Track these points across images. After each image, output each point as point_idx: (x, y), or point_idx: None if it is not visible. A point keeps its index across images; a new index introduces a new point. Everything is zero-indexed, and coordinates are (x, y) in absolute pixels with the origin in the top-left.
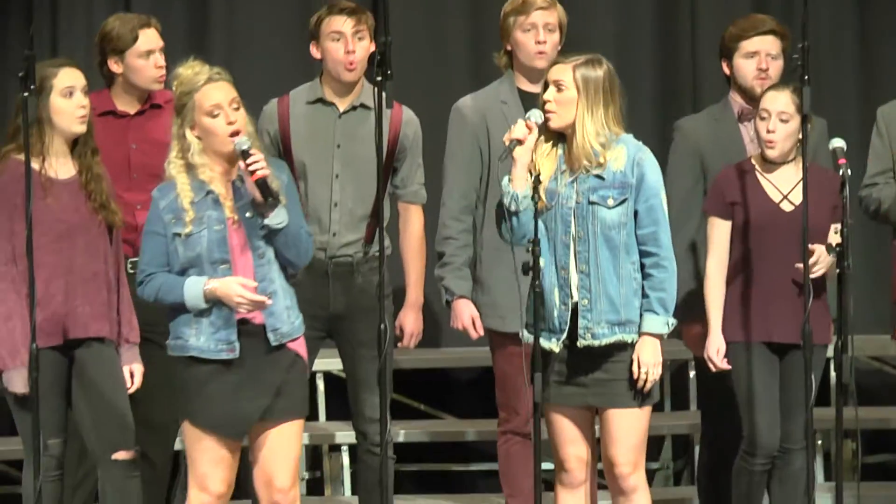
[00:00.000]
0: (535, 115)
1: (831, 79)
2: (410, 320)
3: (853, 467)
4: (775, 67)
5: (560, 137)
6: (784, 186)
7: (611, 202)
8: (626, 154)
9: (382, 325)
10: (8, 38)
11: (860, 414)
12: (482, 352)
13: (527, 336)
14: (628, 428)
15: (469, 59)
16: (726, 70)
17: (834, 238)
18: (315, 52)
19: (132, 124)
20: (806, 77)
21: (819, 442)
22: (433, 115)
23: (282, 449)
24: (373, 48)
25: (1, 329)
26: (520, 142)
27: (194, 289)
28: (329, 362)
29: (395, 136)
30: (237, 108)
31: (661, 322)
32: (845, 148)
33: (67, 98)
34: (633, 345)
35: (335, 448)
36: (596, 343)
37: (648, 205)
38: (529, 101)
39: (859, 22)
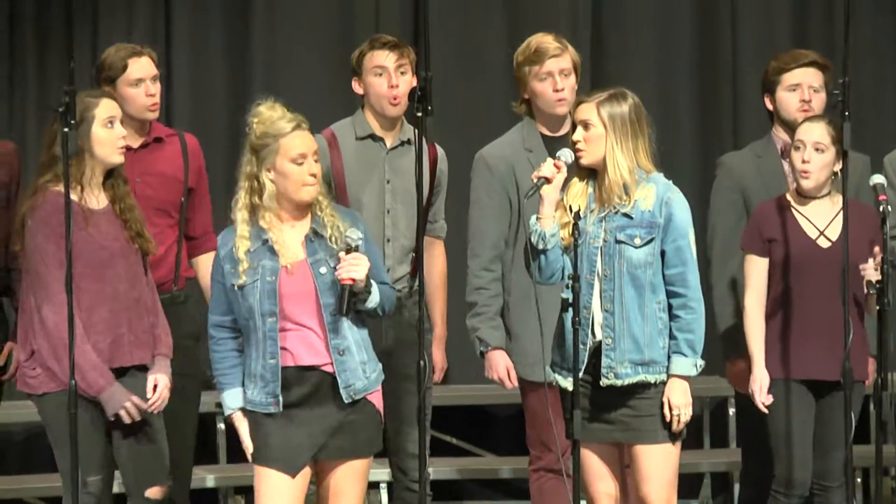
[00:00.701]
0: (566, 155)
1: (873, 115)
2: (438, 355)
3: None
4: (818, 100)
5: (591, 175)
6: (820, 222)
7: (638, 241)
8: (656, 194)
9: (422, 361)
10: (48, 72)
11: None
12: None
13: (549, 374)
14: (658, 464)
15: (506, 94)
16: (769, 105)
17: (874, 275)
18: (357, 88)
19: (136, 158)
20: (847, 112)
21: (858, 479)
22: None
23: (341, 488)
24: (414, 82)
25: (82, 357)
26: (547, 180)
27: (225, 402)
28: None
29: (433, 172)
30: (317, 161)
31: (690, 364)
32: (885, 184)
33: (108, 128)
34: (656, 385)
35: (374, 485)
36: (619, 383)
37: (676, 245)
38: (553, 147)
39: None
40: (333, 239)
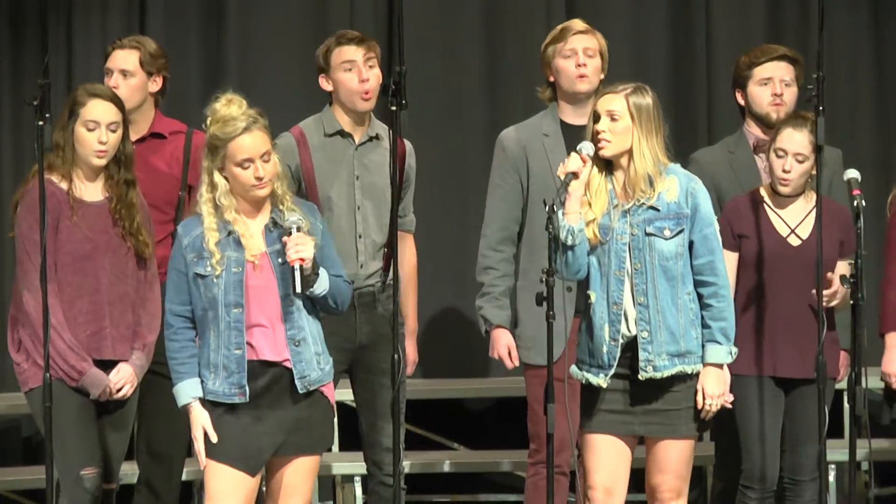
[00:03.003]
0: (587, 147)
1: (846, 109)
2: (410, 349)
3: (866, 499)
4: (790, 94)
5: (608, 170)
6: (792, 220)
7: (667, 233)
8: (679, 185)
9: (396, 355)
10: (24, 65)
11: (872, 445)
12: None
13: (576, 372)
14: (678, 457)
15: (483, 86)
16: (740, 100)
17: (847, 269)
18: (325, 85)
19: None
20: (821, 107)
21: (831, 475)
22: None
23: (293, 484)
24: (381, 77)
25: (59, 342)
26: (575, 175)
27: (183, 392)
28: (341, 392)
29: (402, 167)
30: (267, 161)
31: (725, 351)
32: (860, 178)
33: (90, 131)
34: (691, 375)
35: (348, 479)
36: (658, 375)
37: (703, 234)
38: (571, 134)
39: (875, 52)
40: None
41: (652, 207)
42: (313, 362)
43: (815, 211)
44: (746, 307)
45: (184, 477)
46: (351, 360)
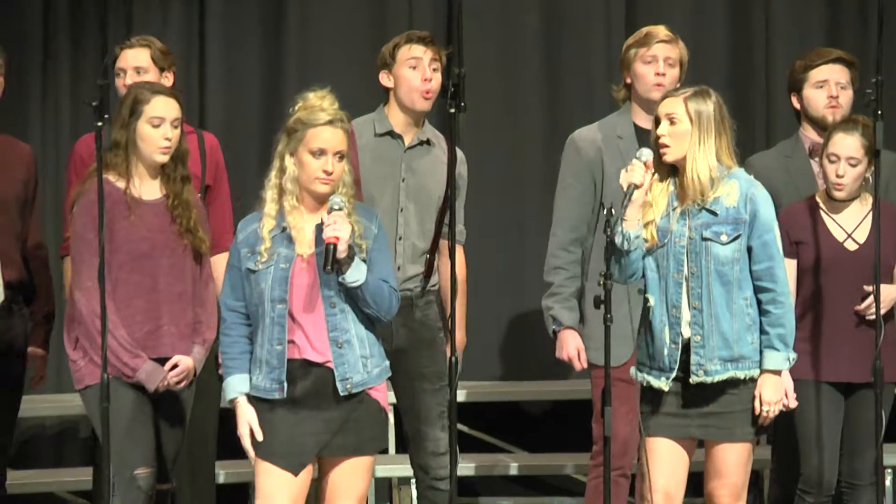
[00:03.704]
0: (646, 154)
1: None
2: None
3: None
4: (845, 96)
5: (672, 173)
6: (848, 224)
7: (724, 238)
8: (739, 189)
9: (453, 357)
10: (83, 65)
11: None
12: (557, 385)
13: (635, 374)
14: (735, 461)
15: (542, 91)
16: (796, 104)
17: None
18: (386, 81)
19: None
20: (879, 111)
21: (888, 479)
22: (505, 147)
23: (343, 485)
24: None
25: (112, 342)
26: (637, 186)
27: (230, 387)
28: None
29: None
30: (341, 160)
31: (783, 358)
32: None
33: (154, 127)
34: (745, 381)
35: (404, 481)
36: (709, 380)
37: (763, 240)
38: (645, 138)
39: None
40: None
41: (710, 211)
42: (358, 365)
43: (871, 215)
44: (805, 313)
45: (237, 479)
46: (390, 362)
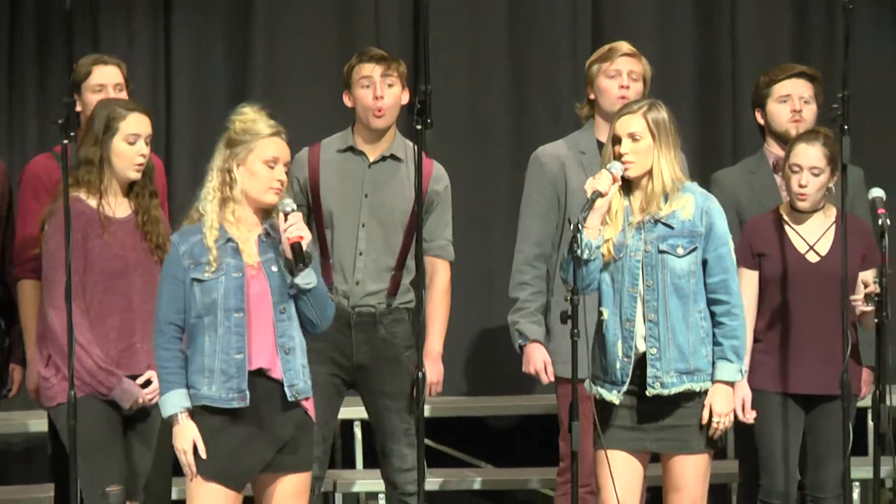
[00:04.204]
0: (617, 168)
1: (870, 128)
2: (434, 371)
3: None
4: (809, 111)
5: (627, 192)
6: (811, 237)
7: (681, 251)
8: (694, 203)
9: (420, 373)
10: (50, 81)
11: None
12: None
13: (589, 386)
14: (693, 473)
15: (509, 107)
16: (760, 119)
17: (873, 287)
18: (347, 101)
19: None
20: (845, 126)
21: (857, 492)
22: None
23: (292, 501)
24: (405, 97)
25: (87, 360)
26: (601, 194)
27: (171, 402)
28: (361, 410)
29: (424, 189)
30: (286, 171)
31: (735, 370)
32: (885, 198)
33: (130, 144)
34: (700, 393)
35: (372, 496)
36: (665, 392)
37: (718, 253)
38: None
39: None
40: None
41: (666, 224)
42: (300, 373)
43: (833, 227)
44: (769, 325)
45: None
46: (352, 377)
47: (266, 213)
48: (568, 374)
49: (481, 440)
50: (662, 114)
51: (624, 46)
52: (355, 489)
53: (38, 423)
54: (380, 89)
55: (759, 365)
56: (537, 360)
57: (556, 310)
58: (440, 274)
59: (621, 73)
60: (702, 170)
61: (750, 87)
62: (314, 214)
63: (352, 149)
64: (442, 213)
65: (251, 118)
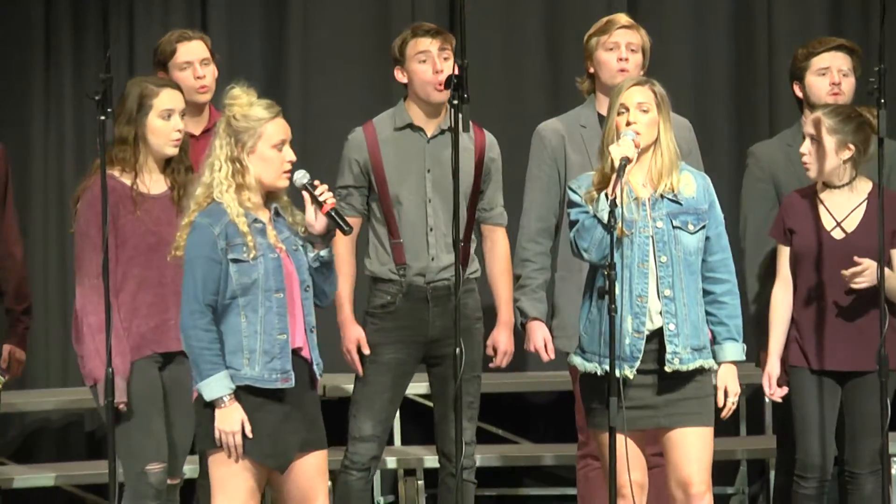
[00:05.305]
0: (632, 134)
1: None
2: (504, 339)
3: None
4: (847, 84)
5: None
6: (839, 213)
7: (691, 227)
8: (695, 181)
9: (458, 349)
10: (85, 57)
11: None
12: (561, 376)
13: (582, 363)
14: (703, 446)
15: (545, 81)
16: (798, 93)
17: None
18: (400, 77)
19: (197, 145)
20: (882, 100)
21: (895, 467)
22: (509, 139)
23: (316, 481)
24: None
25: (90, 343)
26: (629, 160)
27: (218, 384)
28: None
29: (481, 159)
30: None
31: (741, 349)
32: None
33: (165, 120)
34: (707, 370)
35: (410, 472)
36: (683, 368)
37: (717, 232)
38: None
39: None
40: (291, 219)
41: (674, 201)
42: (317, 350)
43: (865, 203)
44: (802, 301)
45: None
46: (423, 353)
47: (271, 193)
48: (569, 349)
49: (515, 416)
50: (661, 88)
51: (622, 18)
52: (392, 466)
53: (74, 400)
54: (439, 63)
55: (793, 341)
56: (537, 338)
57: (561, 284)
58: (500, 242)
59: (620, 45)
60: (739, 144)
61: (785, 61)
62: (379, 194)
63: (410, 126)
64: (497, 181)
65: (246, 101)
